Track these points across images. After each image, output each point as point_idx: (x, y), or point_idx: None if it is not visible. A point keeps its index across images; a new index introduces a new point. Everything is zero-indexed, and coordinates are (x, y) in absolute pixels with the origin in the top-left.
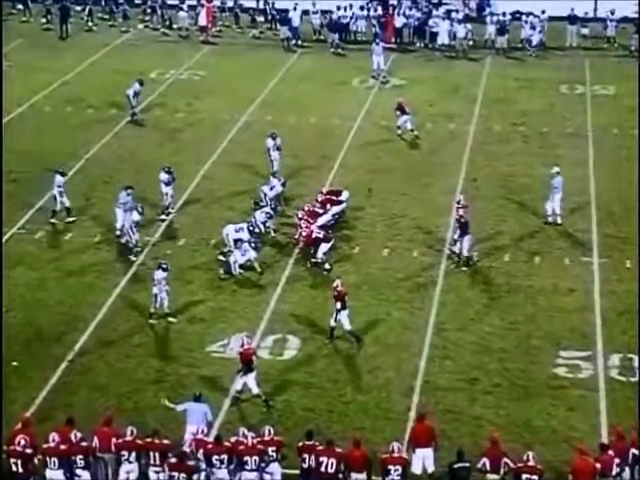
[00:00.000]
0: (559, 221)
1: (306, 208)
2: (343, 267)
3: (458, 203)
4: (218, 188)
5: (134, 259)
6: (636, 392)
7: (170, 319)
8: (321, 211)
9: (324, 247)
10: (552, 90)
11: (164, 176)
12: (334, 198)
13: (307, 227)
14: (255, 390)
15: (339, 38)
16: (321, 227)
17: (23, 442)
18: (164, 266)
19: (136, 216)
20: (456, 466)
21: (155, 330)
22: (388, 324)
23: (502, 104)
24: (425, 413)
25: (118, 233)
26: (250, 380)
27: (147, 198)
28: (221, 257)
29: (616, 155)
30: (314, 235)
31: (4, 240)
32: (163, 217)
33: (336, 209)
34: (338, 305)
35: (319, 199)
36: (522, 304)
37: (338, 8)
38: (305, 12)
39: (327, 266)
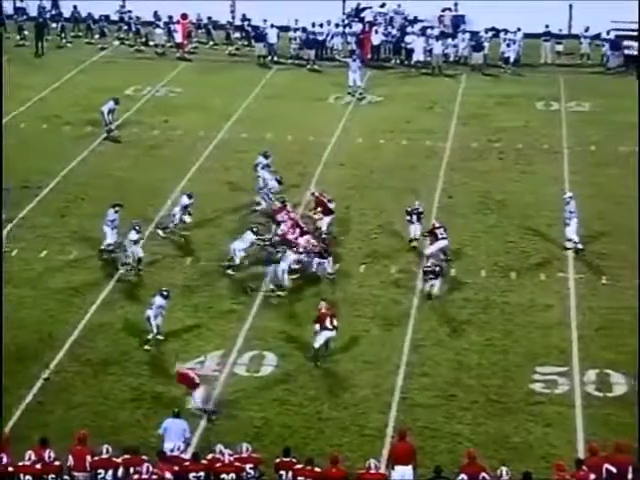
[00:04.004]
0: (580, 246)
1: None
2: (320, 283)
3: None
4: (194, 205)
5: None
6: (615, 408)
7: (159, 337)
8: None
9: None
10: (528, 107)
11: (186, 200)
12: (326, 203)
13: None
14: (199, 405)
15: (315, 55)
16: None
17: (5, 460)
18: (164, 293)
19: (134, 235)
20: None
21: (130, 348)
22: (365, 341)
23: (478, 120)
24: (405, 431)
25: (103, 248)
26: (197, 395)
27: (123, 215)
28: (229, 272)
29: (592, 171)
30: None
31: None
32: (177, 238)
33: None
34: (317, 327)
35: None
36: (499, 320)
37: (313, 25)
38: (281, 28)
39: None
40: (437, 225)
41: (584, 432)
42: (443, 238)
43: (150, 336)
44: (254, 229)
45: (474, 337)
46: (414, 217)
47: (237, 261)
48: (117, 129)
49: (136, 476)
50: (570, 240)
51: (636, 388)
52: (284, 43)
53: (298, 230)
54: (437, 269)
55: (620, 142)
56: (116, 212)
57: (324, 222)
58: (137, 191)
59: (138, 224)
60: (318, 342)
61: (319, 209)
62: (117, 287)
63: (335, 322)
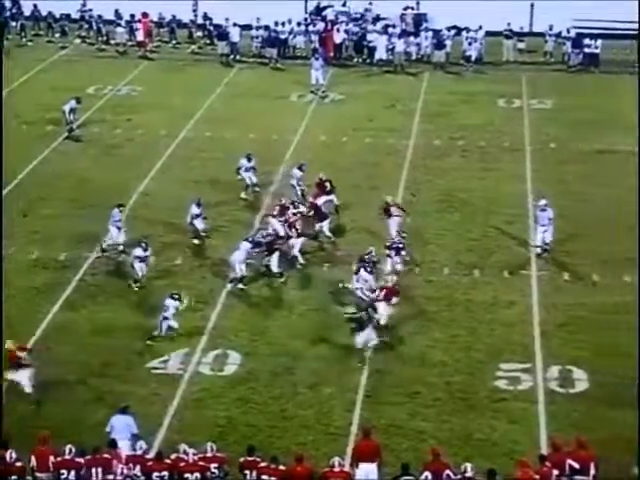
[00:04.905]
0: (548, 247)
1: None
2: (283, 280)
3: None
4: (157, 204)
5: (136, 289)
6: (577, 404)
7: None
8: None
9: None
10: (490, 104)
11: (195, 210)
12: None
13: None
14: (27, 389)
15: (277, 53)
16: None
17: None
18: (175, 296)
19: (139, 252)
20: (401, 479)
21: (94, 348)
22: (329, 339)
23: (441, 118)
24: (369, 429)
25: (121, 249)
26: (22, 376)
27: (85, 215)
28: (240, 285)
29: (554, 169)
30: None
31: None
32: (196, 241)
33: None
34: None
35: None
36: (462, 317)
37: (276, 23)
38: (243, 27)
39: (282, 279)
40: (391, 203)
41: (547, 428)
42: (397, 215)
43: (156, 333)
44: (249, 238)
45: (438, 334)
46: (393, 252)
47: (244, 273)
48: (79, 128)
49: (111, 476)
50: (539, 246)
51: (636, 388)
52: (246, 42)
53: (294, 231)
54: (365, 316)
55: (581, 140)
56: (120, 212)
57: (324, 225)
58: (99, 190)
59: (145, 241)
60: (382, 318)
61: (312, 212)
62: (79, 287)
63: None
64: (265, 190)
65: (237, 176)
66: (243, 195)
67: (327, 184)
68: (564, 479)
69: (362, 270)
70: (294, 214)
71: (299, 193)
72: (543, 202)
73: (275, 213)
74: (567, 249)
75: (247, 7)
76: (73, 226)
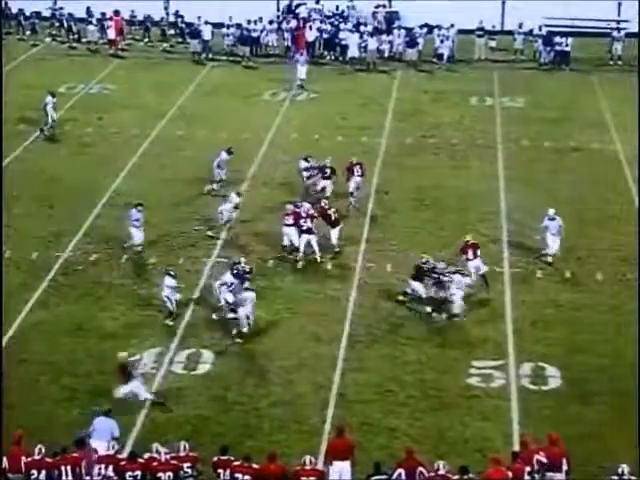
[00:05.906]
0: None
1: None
2: (256, 280)
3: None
4: (129, 202)
5: (170, 324)
6: (550, 400)
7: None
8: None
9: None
10: (462, 102)
11: (235, 198)
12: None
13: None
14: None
15: (250, 51)
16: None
17: None
18: (172, 273)
19: (171, 281)
20: (374, 478)
21: (66, 347)
22: (302, 337)
23: (413, 116)
24: (343, 427)
25: (139, 249)
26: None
27: (57, 214)
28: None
29: (526, 167)
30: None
31: None
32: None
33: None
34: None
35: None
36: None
37: (248, 22)
38: (215, 25)
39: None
40: (354, 162)
41: (519, 425)
42: (358, 175)
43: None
44: (234, 271)
45: (411, 332)
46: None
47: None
48: (51, 127)
49: (88, 478)
50: (548, 254)
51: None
52: (218, 40)
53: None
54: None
55: (553, 137)
56: (139, 211)
57: (333, 233)
58: (71, 189)
59: (172, 270)
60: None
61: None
62: (50, 286)
63: (478, 252)
64: (236, 188)
65: (217, 169)
66: (209, 187)
67: (327, 170)
68: (537, 476)
69: (457, 275)
70: (307, 214)
71: (308, 184)
72: (552, 211)
73: (290, 222)
74: (540, 246)
75: (219, 5)
76: (45, 225)
